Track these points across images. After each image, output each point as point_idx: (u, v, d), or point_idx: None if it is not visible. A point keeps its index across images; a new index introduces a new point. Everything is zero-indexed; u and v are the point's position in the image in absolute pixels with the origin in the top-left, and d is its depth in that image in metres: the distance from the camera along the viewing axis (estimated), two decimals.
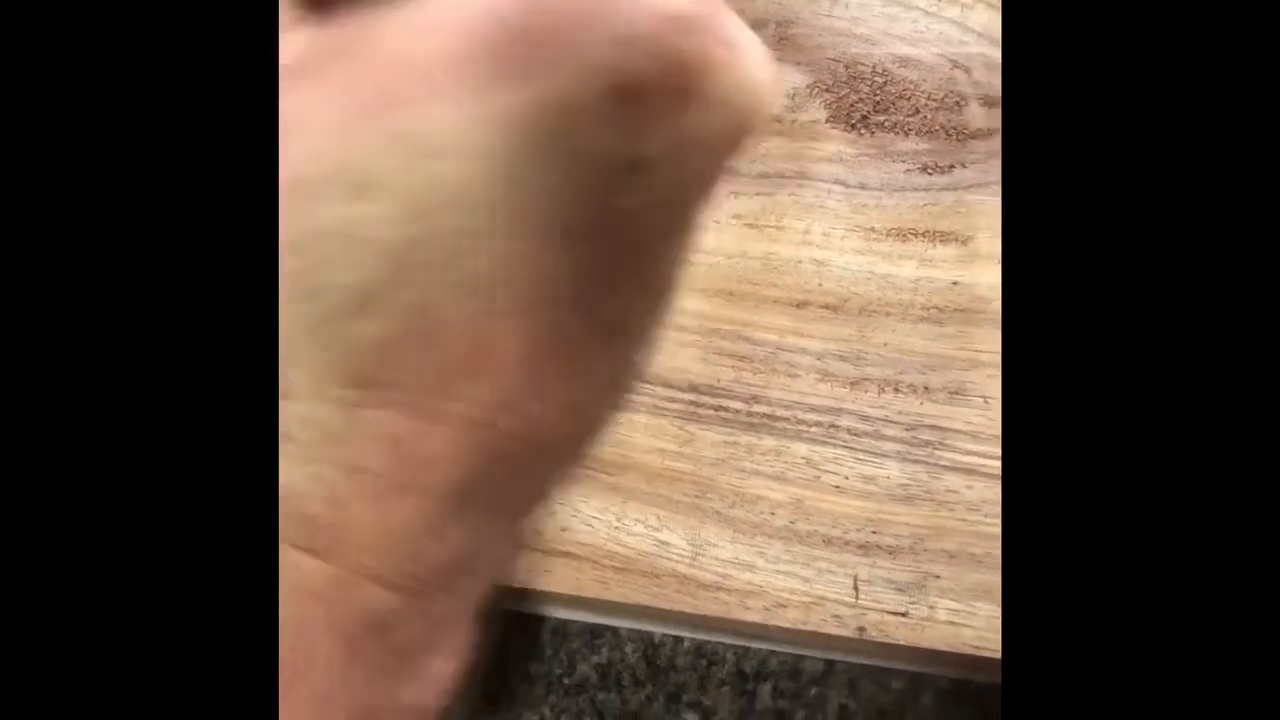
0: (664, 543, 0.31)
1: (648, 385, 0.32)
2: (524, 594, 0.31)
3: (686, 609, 0.30)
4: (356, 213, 0.13)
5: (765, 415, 0.32)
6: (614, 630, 0.31)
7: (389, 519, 0.14)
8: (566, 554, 0.31)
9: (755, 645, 0.31)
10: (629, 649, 0.31)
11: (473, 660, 0.17)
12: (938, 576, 0.30)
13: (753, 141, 0.33)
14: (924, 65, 0.35)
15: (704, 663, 0.31)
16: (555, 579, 0.31)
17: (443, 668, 0.17)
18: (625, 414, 0.32)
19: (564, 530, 0.31)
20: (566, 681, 0.31)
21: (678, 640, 0.31)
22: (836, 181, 0.34)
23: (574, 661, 0.32)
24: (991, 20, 0.35)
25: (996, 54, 0.35)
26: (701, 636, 0.31)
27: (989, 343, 0.32)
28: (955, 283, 0.32)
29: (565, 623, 0.32)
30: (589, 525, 0.31)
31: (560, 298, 0.14)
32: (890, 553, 0.30)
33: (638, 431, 0.32)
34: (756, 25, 0.36)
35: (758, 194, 0.34)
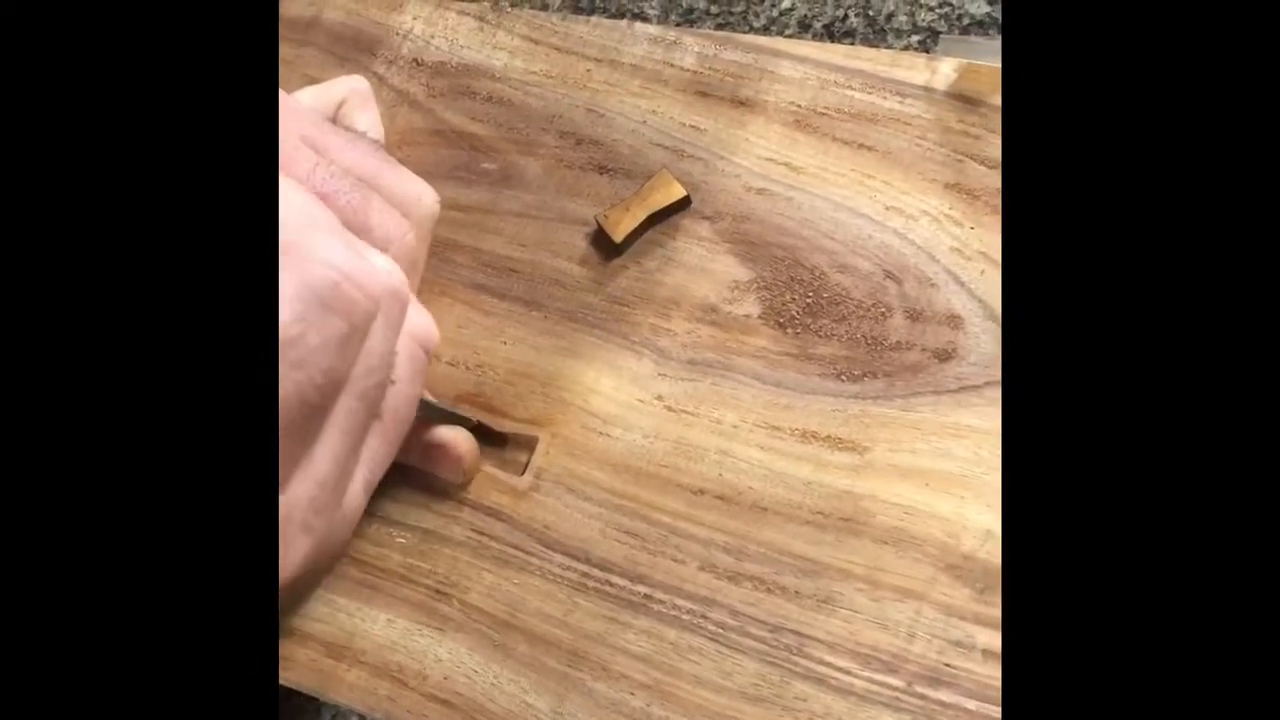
0: (530, 705, 0.33)
1: (549, 551, 0.35)
2: None
3: None
4: None
5: (645, 596, 0.34)
6: None
7: None
8: (444, 701, 0.34)
9: None
10: None
11: None
12: None
13: (690, 328, 0.35)
14: (859, 273, 0.36)
15: None
16: None
17: None
18: (524, 575, 0.35)
19: (446, 679, 0.34)
20: None
21: None
22: (755, 376, 0.35)
23: None
24: (932, 235, 0.36)
25: (931, 268, 0.36)
26: None
27: (863, 556, 0.32)
28: (846, 491, 0.33)
29: None
30: (469, 677, 0.34)
31: None
32: None
33: (530, 594, 0.34)
34: (715, 217, 0.38)
35: (683, 379, 0.36)
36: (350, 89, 0.39)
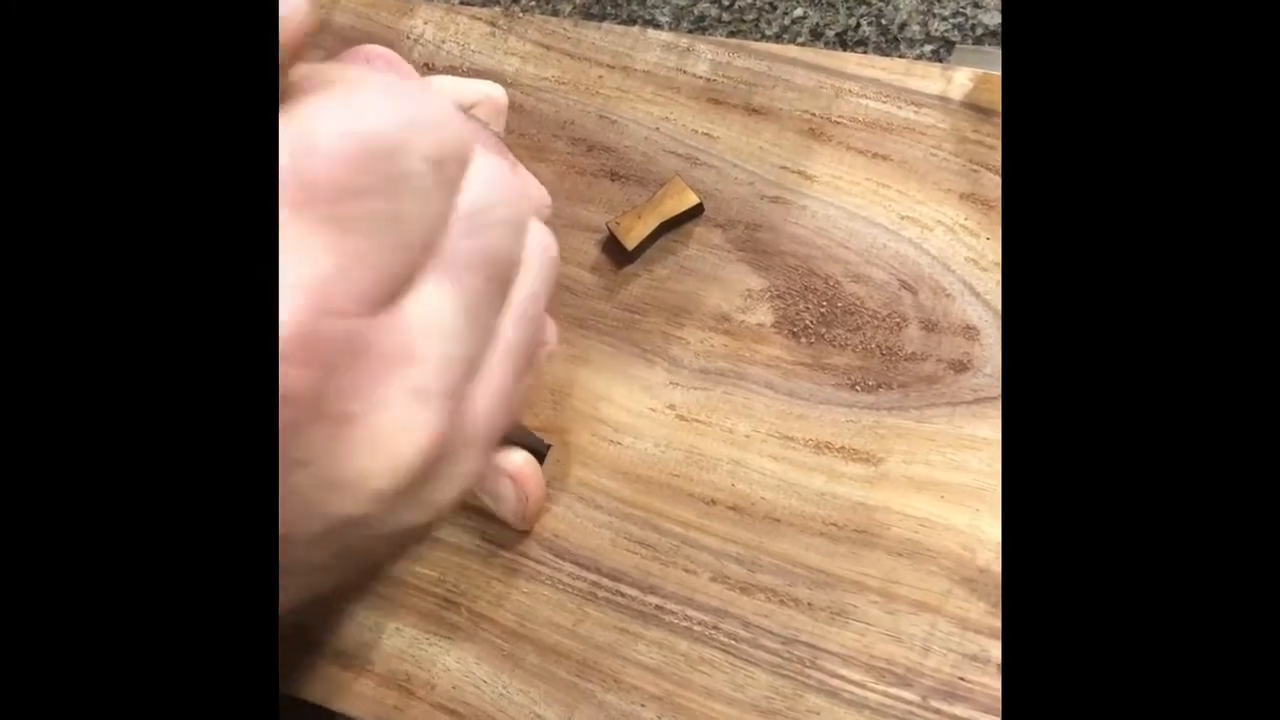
0: (539, 716, 0.33)
1: (559, 560, 0.34)
2: None
3: None
4: None
5: (657, 607, 0.33)
6: None
7: None
8: (453, 711, 0.33)
9: None
10: None
11: None
12: None
13: (701, 336, 0.34)
14: (874, 283, 0.36)
15: None
16: None
17: None
18: (533, 585, 0.34)
19: (454, 688, 0.34)
20: None
21: None
22: (768, 386, 0.35)
23: None
24: (948, 245, 0.36)
25: (947, 279, 0.35)
26: None
27: (877, 568, 0.32)
28: (860, 503, 0.33)
29: None
30: (477, 687, 0.33)
31: None
32: None
33: (540, 604, 0.34)
34: (728, 225, 0.38)
35: (695, 388, 0.36)
36: (486, 95, 0.36)
